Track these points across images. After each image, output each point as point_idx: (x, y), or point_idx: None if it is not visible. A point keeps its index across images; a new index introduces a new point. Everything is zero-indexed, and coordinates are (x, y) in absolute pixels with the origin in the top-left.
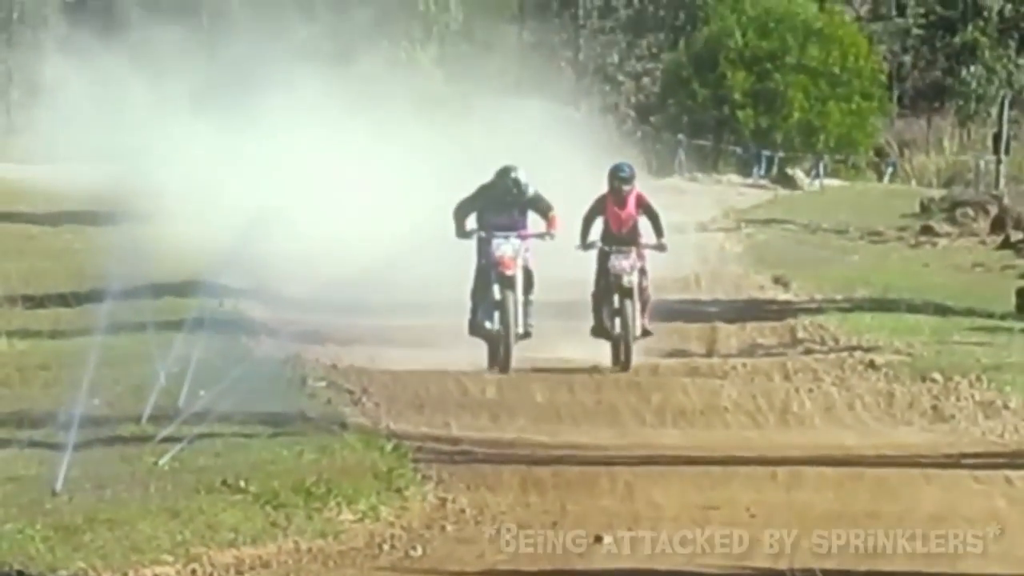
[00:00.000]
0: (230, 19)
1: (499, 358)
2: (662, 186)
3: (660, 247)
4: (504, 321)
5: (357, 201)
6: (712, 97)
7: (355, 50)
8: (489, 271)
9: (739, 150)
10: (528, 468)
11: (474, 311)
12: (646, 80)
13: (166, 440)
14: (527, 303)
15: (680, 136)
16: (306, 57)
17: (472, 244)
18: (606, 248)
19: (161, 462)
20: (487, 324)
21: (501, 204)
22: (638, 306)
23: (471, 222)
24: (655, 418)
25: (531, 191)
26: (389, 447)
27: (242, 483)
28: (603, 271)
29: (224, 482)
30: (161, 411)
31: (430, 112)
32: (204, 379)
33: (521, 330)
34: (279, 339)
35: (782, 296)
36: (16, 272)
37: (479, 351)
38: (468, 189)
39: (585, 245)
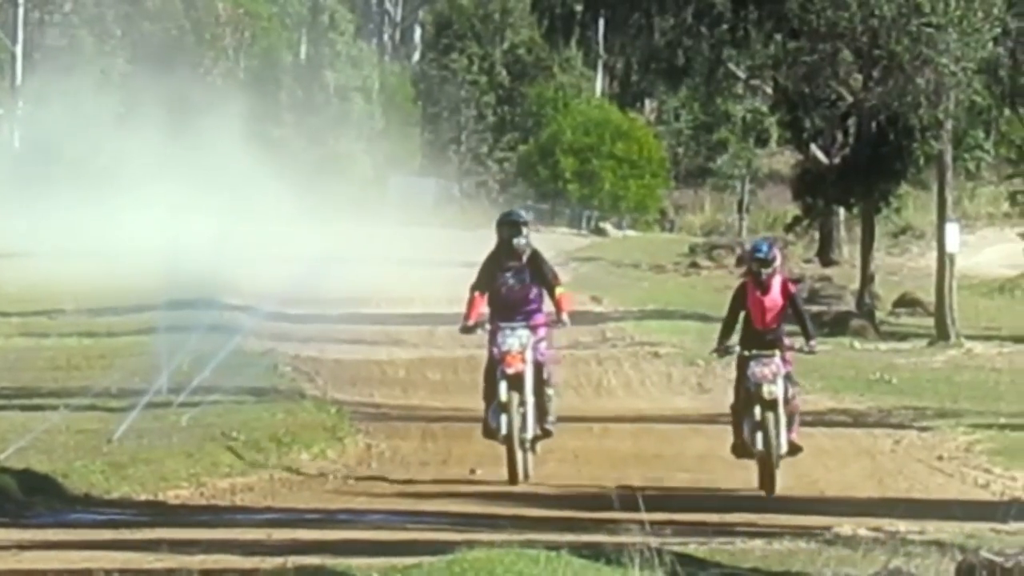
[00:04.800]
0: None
1: (511, 465)
2: None
3: (810, 351)
4: (508, 425)
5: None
6: (551, 175)
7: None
8: (496, 367)
9: (568, 211)
10: (426, 424)
11: (487, 411)
12: (506, 164)
13: (183, 405)
14: (543, 401)
15: (528, 201)
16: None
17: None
18: (746, 353)
19: (182, 421)
20: (495, 427)
21: (507, 277)
22: (783, 419)
23: (484, 304)
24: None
25: (529, 251)
26: (333, 410)
27: (234, 434)
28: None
29: (222, 433)
30: (179, 386)
31: (359, 184)
32: (208, 365)
33: (530, 434)
34: (259, 339)
35: (597, 309)
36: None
37: (395, 348)
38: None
39: (721, 350)
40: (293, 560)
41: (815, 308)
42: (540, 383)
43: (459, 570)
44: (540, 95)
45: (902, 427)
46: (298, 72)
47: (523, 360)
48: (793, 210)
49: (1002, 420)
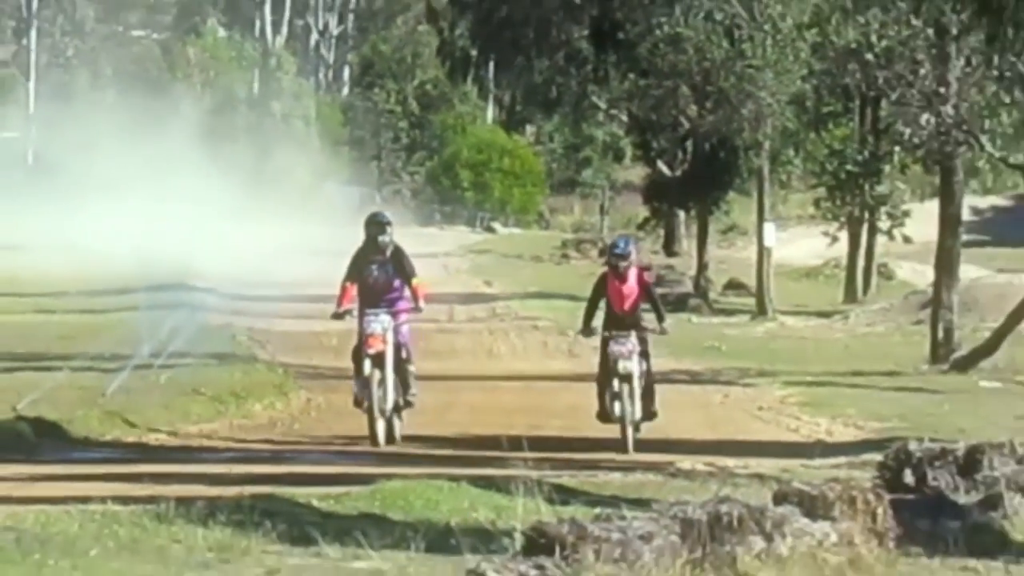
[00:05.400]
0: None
1: (372, 431)
2: (424, 232)
3: (663, 331)
4: (369, 397)
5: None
6: (452, 185)
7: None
8: (361, 348)
9: (465, 213)
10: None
11: (356, 385)
12: (417, 176)
13: (162, 367)
14: (405, 377)
15: (435, 205)
16: None
17: None
18: (607, 334)
19: (161, 380)
20: (360, 399)
21: (372, 269)
22: (638, 391)
23: (354, 292)
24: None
25: (391, 247)
26: (280, 371)
27: (202, 389)
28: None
29: (192, 389)
30: (158, 352)
31: (299, 191)
32: (181, 335)
33: (390, 404)
34: (220, 314)
35: (489, 291)
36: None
37: (328, 322)
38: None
39: (586, 331)
40: (249, 490)
41: (661, 290)
42: (400, 361)
43: (380, 497)
44: (443, 121)
45: (730, 384)
46: (251, 102)
47: (384, 342)
48: (644, 212)
49: (808, 378)
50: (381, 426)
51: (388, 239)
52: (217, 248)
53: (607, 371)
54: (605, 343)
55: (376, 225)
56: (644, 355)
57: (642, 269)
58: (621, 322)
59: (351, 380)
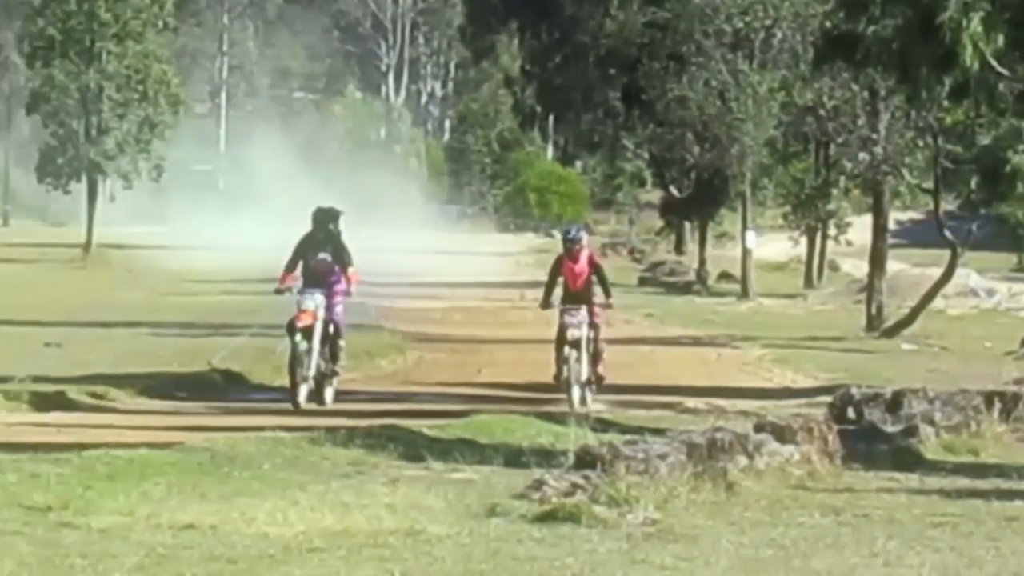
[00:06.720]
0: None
1: (293, 393)
2: (502, 237)
3: (608, 305)
4: (291, 365)
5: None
6: (523, 203)
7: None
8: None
9: (532, 224)
10: (453, 344)
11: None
12: (498, 197)
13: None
14: (335, 350)
15: (510, 218)
16: None
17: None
18: (561, 307)
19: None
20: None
21: (317, 254)
22: (585, 356)
23: (299, 271)
24: (501, 325)
25: (336, 237)
26: (399, 336)
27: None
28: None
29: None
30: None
31: (413, 208)
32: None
33: (312, 372)
34: (357, 296)
35: (538, 278)
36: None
37: (434, 301)
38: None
39: (544, 304)
40: (378, 422)
41: (673, 279)
42: (327, 335)
43: (471, 427)
44: (517, 158)
45: (722, 346)
46: (379, 145)
47: (314, 317)
48: (660, 223)
49: (779, 342)
50: (303, 390)
51: (334, 229)
52: (355, 249)
53: (561, 339)
54: (560, 315)
55: (324, 215)
56: (592, 325)
57: (594, 254)
58: (575, 297)
59: (451, 343)
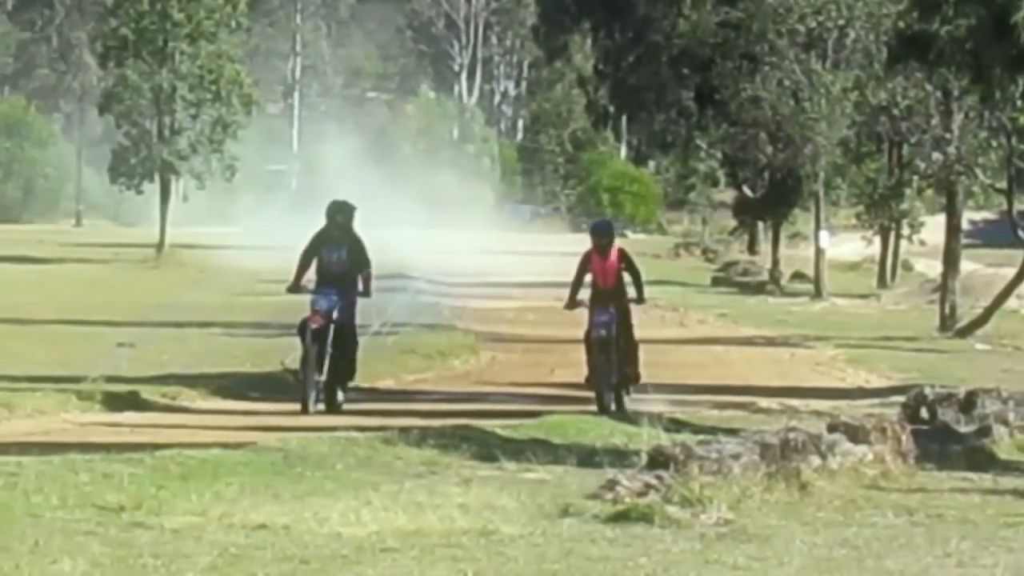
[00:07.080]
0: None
1: (303, 397)
2: (575, 237)
3: (640, 302)
4: (302, 367)
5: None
6: (596, 203)
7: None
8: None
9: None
10: (525, 344)
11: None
12: (571, 196)
13: (389, 333)
14: (346, 353)
15: (583, 217)
16: None
17: None
18: (590, 306)
19: (388, 342)
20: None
21: (331, 253)
22: (614, 357)
23: (312, 271)
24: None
25: (351, 234)
26: (472, 336)
27: (417, 349)
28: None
29: (411, 349)
30: (386, 322)
31: (486, 208)
32: (402, 311)
33: (323, 376)
34: (430, 296)
35: None
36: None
37: (507, 301)
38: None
39: (571, 304)
40: (451, 422)
41: (746, 279)
42: (341, 339)
43: (544, 427)
44: (590, 158)
45: (795, 346)
46: (452, 145)
47: (328, 319)
48: (733, 223)
49: (852, 342)
50: (312, 394)
51: (349, 225)
52: (427, 249)
53: (589, 340)
54: (590, 314)
55: (339, 211)
56: (623, 324)
57: (623, 249)
58: (604, 295)
59: (523, 343)
